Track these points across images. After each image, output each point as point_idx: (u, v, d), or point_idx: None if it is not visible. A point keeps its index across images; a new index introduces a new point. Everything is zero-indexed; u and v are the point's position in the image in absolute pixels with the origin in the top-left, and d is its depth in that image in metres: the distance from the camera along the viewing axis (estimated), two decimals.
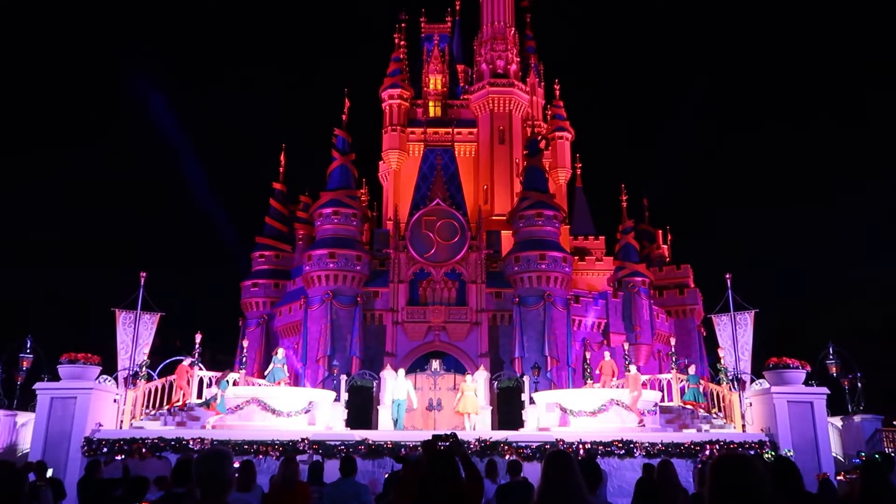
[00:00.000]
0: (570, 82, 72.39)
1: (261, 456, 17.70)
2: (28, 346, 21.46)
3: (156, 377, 22.32)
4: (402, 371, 23.78)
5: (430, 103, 45.19)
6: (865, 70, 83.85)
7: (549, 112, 47.47)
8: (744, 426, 20.69)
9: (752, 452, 17.73)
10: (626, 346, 27.96)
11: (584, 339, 35.97)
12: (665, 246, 47.23)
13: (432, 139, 43.32)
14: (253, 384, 23.25)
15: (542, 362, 33.27)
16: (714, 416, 22.47)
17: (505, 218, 40.21)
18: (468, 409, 22.19)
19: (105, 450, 18.15)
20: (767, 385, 20.06)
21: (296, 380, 32.72)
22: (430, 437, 5.78)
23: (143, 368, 21.13)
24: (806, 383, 20.13)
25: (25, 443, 19.77)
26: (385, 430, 21.32)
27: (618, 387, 22.63)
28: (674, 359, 24.23)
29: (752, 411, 20.69)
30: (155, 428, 20.20)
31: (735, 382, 21.30)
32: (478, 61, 45.55)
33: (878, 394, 25.37)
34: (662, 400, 23.09)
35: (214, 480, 4.23)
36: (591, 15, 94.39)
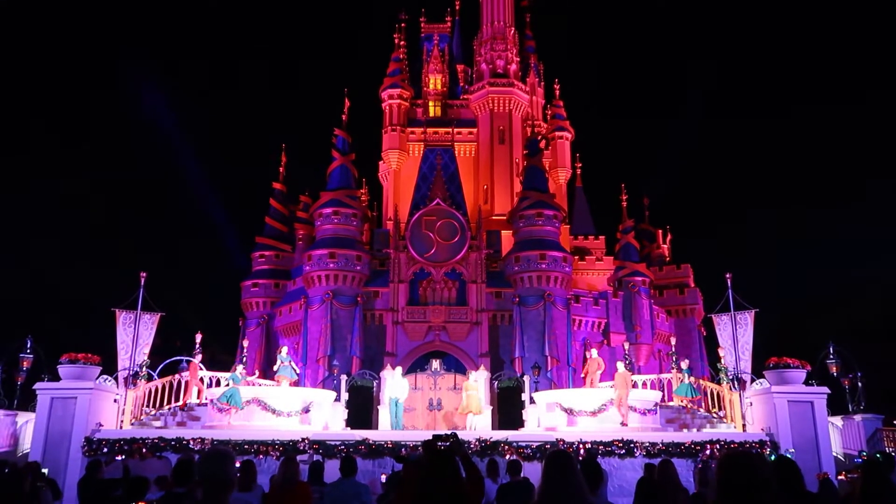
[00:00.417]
0: (570, 82, 72.47)
1: (261, 456, 17.70)
2: (28, 346, 21.45)
3: (156, 377, 22.33)
4: (398, 369, 23.82)
5: (430, 103, 45.22)
6: (866, 70, 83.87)
7: (549, 112, 47.49)
8: (744, 426, 20.69)
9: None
10: (627, 345, 27.95)
11: (584, 338, 35.99)
12: (665, 245, 47.24)
13: (432, 139, 43.34)
14: (254, 384, 23.23)
15: (542, 362, 33.29)
16: (714, 415, 22.49)
17: (505, 218, 40.23)
18: (471, 408, 22.20)
19: (105, 450, 18.15)
20: (768, 385, 20.05)
21: (296, 380, 32.73)
22: (431, 437, 5.78)
23: (144, 368, 21.13)
24: (806, 383, 20.12)
25: (26, 443, 19.77)
26: (385, 430, 21.32)
27: (612, 386, 22.62)
28: (674, 358, 24.22)
29: (752, 411, 20.68)
30: (155, 428, 20.20)
31: (735, 382, 21.30)
32: (478, 61, 45.57)
33: (879, 393, 25.36)
34: (662, 400, 23.08)
35: (217, 480, 4.23)
36: (591, 15, 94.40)
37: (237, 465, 7.12)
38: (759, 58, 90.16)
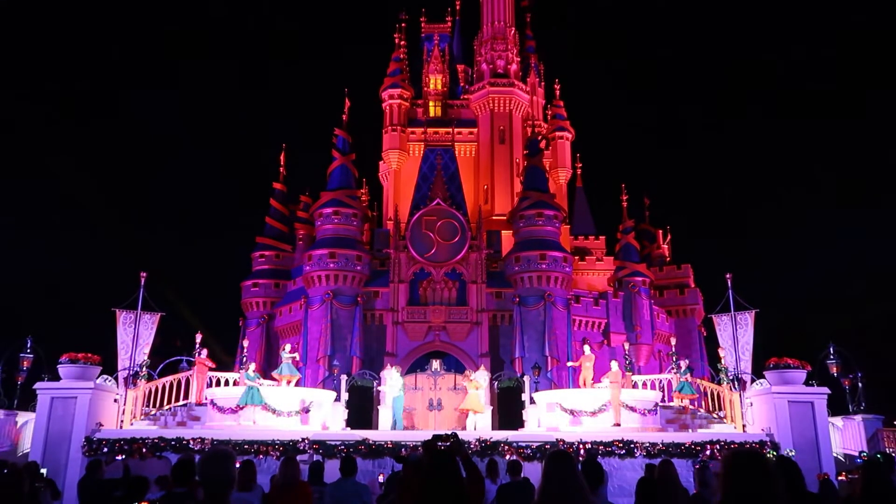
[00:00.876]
0: (571, 82, 72.39)
1: (261, 456, 17.70)
2: (28, 345, 21.46)
3: (156, 377, 22.34)
4: (396, 368, 23.89)
5: (431, 103, 45.21)
6: (868, 69, 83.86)
7: (550, 112, 47.48)
8: (744, 426, 20.69)
9: None
10: (627, 346, 27.95)
11: (584, 338, 35.99)
12: (665, 246, 47.24)
13: (432, 139, 43.34)
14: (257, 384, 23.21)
15: (542, 362, 33.28)
16: (715, 416, 22.50)
17: (505, 218, 40.22)
18: (472, 406, 22.22)
19: (105, 450, 18.16)
20: (768, 385, 20.06)
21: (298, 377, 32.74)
22: (431, 437, 5.77)
23: (144, 368, 21.14)
24: (806, 383, 20.13)
25: (26, 443, 19.77)
26: (385, 430, 21.33)
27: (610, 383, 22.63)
28: (674, 359, 24.23)
29: (752, 411, 20.69)
30: (155, 428, 20.20)
31: (736, 382, 21.31)
32: (478, 61, 45.57)
33: (879, 394, 25.34)
34: (662, 400, 23.09)
35: (217, 480, 4.23)
36: (592, 14, 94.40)
37: (237, 465, 7.12)
38: (759, 57, 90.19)
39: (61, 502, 14.13)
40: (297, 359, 23.85)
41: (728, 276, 22.47)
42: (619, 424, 20.32)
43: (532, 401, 23.07)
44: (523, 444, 18.30)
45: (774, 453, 17.97)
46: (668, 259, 46.04)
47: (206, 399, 21.94)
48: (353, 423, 22.55)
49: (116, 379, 20.67)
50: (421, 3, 49.91)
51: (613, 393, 20.71)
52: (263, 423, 19.95)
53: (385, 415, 22.74)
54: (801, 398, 19.55)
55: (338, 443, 18.31)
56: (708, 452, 18.21)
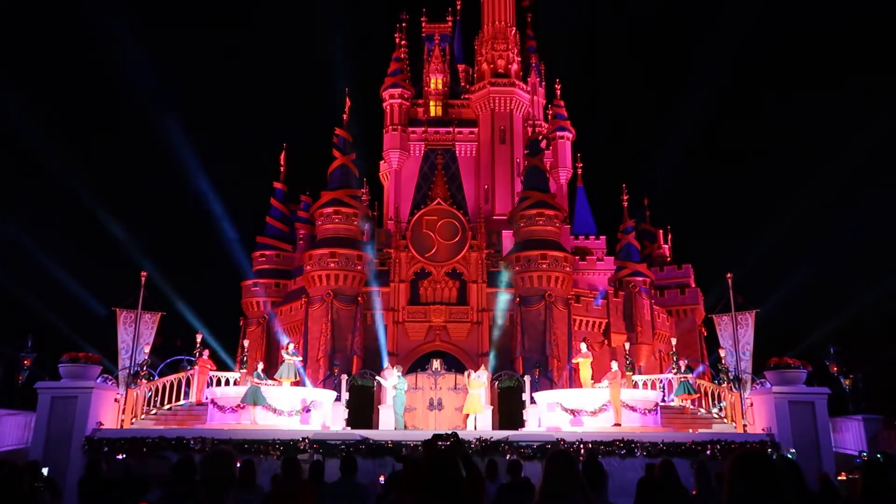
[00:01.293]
0: (571, 82, 72.30)
1: (261, 455, 17.69)
2: (29, 345, 21.47)
3: (156, 377, 22.35)
4: (398, 368, 23.93)
5: (431, 103, 45.21)
6: (870, 69, 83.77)
7: (550, 112, 47.47)
8: (745, 426, 20.70)
9: None
10: (627, 345, 27.97)
11: (584, 338, 35.99)
12: (666, 246, 47.29)
13: (433, 139, 43.35)
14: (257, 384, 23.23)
15: (542, 362, 33.28)
16: (715, 416, 22.51)
17: (506, 217, 40.23)
18: (473, 409, 22.26)
19: (106, 449, 18.16)
20: (769, 385, 20.06)
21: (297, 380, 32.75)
22: (431, 437, 5.78)
23: (144, 368, 21.15)
24: (807, 383, 20.13)
25: (26, 443, 19.76)
26: (386, 430, 21.33)
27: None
28: (674, 359, 24.24)
29: (753, 411, 20.69)
30: (156, 427, 20.20)
31: (736, 382, 21.31)
32: (479, 61, 45.56)
33: (879, 394, 25.32)
34: (663, 400, 23.09)
35: (218, 480, 4.24)
36: (592, 14, 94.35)
37: (238, 464, 7.12)
38: (760, 56, 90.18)
39: (61, 502, 14.12)
40: (300, 359, 23.80)
41: (728, 275, 22.48)
42: (619, 424, 20.34)
43: (532, 400, 23.08)
44: (524, 444, 18.30)
45: (775, 453, 17.97)
46: (668, 259, 46.08)
47: (206, 398, 21.96)
48: (353, 422, 22.57)
49: (117, 378, 20.68)
50: (421, 2, 49.93)
51: (614, 393, 20.71)
52: (264, 422, 19.97)
53: (386, 414, 22.75)
54: (802, 398, 19.55)
55: (338, 442, 18.31)
56: (708, 452, 18.21)
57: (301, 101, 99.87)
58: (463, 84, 47.24)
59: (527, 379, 24.56)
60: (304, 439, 18.27)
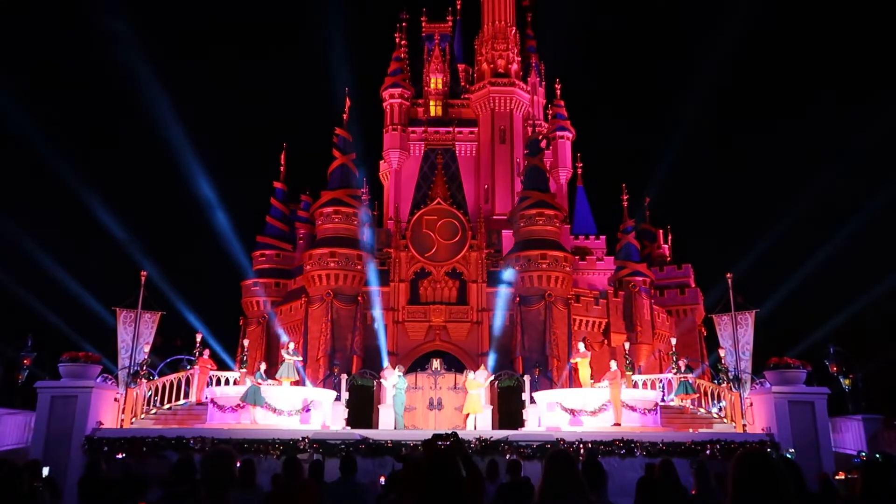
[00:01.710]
0: (571, 82, 72.34)
1: (261, 455, 17.70)
2: (29, 344, 21.47)
3: (156, 376, 22.36)
4: (399, 368, 23.94)
5: (431, 103, 45.21)
6: (872, 70, 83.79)
7: (550, 111, 47.47)
8: (745, 426, 20.70)
9: None
10: (627, 345, 27.98)
11: (583, 338, 36.01)
12: (666, 245, 47.29)
13: (433, 139, 43.36)
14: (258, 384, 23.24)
15: (542, 362, 33.29)
16: (715, 415, 22.51)
17: (506, 217, 40.24)
18: (472, 409, 22.27)
19: (106, 449, 18.16)
20: (768, 385, 20.07)
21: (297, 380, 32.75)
22: (431, 437, 5.78)
23: (144, 367, 21.15)
24: (807, 383, 20.14)
25: (26, 442, 19.76)
26: (386, 430, 21.34)
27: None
28: (674, 359, 24.25)
29: (752, 411, 20.70)
30: (155, 427, 20.21)
31: (736, 382, 21.32)
32: (479, 60, 45.56)
33: (879, 394, 25.31)
34: (662, 400, 23.10)
35: (218, 479, 4.24)
36: (593, 14, 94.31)
37: (237, 464, 7.12)
38: (762, 56, 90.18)
39: (61, 501, 14.12)
40: (300, 359, 23.81)
41: (728, 275, 22.49)
42: (619, 424, 20.34)
43: (532, 400, 23.08)
44: (523, 444, 18.30)
45: (775, 453, 17.98)
46: (668, 259, 46.09)
47: (206, 398, 21.96)
48: (353, 422, 22.58)
49: (117, 378, 20.68)
50: (422, 2, 49.91)
51: (613, 392, 20.72)
52: (264, 422, 19.98)
53: (385, 414, 22.76)
54: (802, 398, 19.56)
55: (338, 442, 18.31)
56: (708, 452, 18.22)
57: (301, 101, 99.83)
58: (463, 84, 47.23)
59: (526, 379, 24.58)
60: (303, 439, 18.28)
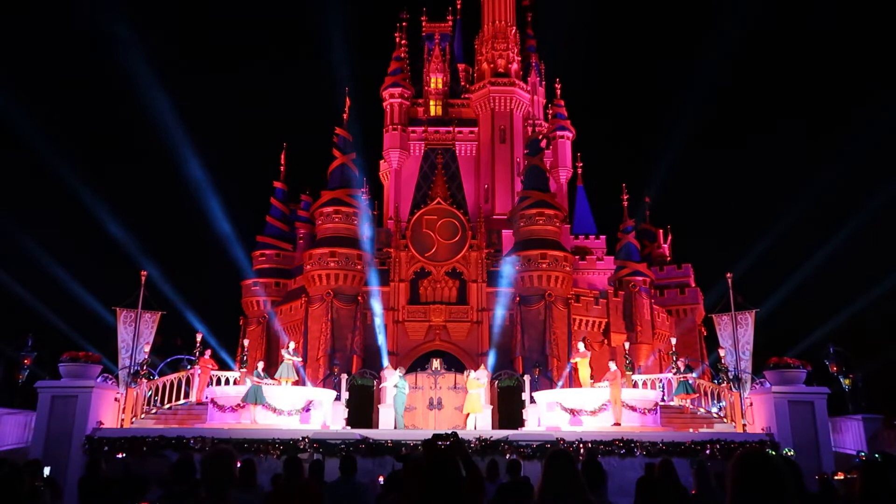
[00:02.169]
0: (572, 81, 72.35)
1: (261, 455, 17.71)
2: (29, 344, 21.47)
3: (156, 376, 22.37)
4: (400, 368, 23.96)
5: (431, 102, 45.20)
6: (872, 70, 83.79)
7: (550, 111, 47.47)
8: (744, 426, 20.70)
9: None
10: (627, 345, 28.00)
11: (583, 338, 36.02)
12: (666, 245, 47.29)
13: (433, 138, 43.35)
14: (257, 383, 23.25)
15: (542, 362, 33.29)
16: (715, 415, 22.52)
17: (506, 217, 40.24)
18: (473, 409, 22.27)
19: (106, 448, 18.17)
20: (768, 385, 20.06)
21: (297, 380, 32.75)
22: (431, 437, 5.79)
23: (144, 367, 21.16)
24: (807, 383, 20.13)
25: (27, 442, 19.77)
26: (386, 429, 21.35)
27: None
28: (674, 359, 24.25)
29: (752, 411, 20.70)
30: (156, 427, 20.21)
31: (736, 382, 21.32)
32: (479, 60, 45.55)
33: (879, 394, 25.32)
34: (662, 400, 23.11)
35: (219, 479, 4.24)
36: (593, 14, 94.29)
37: (238, 464, 7.13)
38: (762, 56, 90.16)
39: (62, 501, 14.12)
40: (300, 359, 23.82)
41: (728, 275, 22.49)
42: (619, 424, 20.35)
43: (532, 400, 23.09)
44: (523, 444, 18.30)
45: (774, 453, 17.97)
46: (668, 259, 46.09)
47: (206, 398, 21.96)
48: (353, 421, 22.59)
49: (117, 378, 20.69)
50: (422, 2, 49.90)
51: (613, 392, 20.73)
52: (264, 421, 19.99)
53: (385, 414, 22.77)
54: (802, 398, 19.55)
55: (338, 441, 18.31)
56: (708, 452, 18.22)
57: (301, 101, 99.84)
58: (463, 83, 47.22)
59: (526, 378, 24.59)
60: (303, 439, 18.28)
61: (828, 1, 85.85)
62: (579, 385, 23.22)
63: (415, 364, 31.58)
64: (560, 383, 28.50)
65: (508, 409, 23.81)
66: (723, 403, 22.49)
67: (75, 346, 20.84)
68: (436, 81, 45.59)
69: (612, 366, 21.58)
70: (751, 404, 20.82)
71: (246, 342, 26.71)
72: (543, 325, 35.03)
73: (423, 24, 48.48)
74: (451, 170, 42.17)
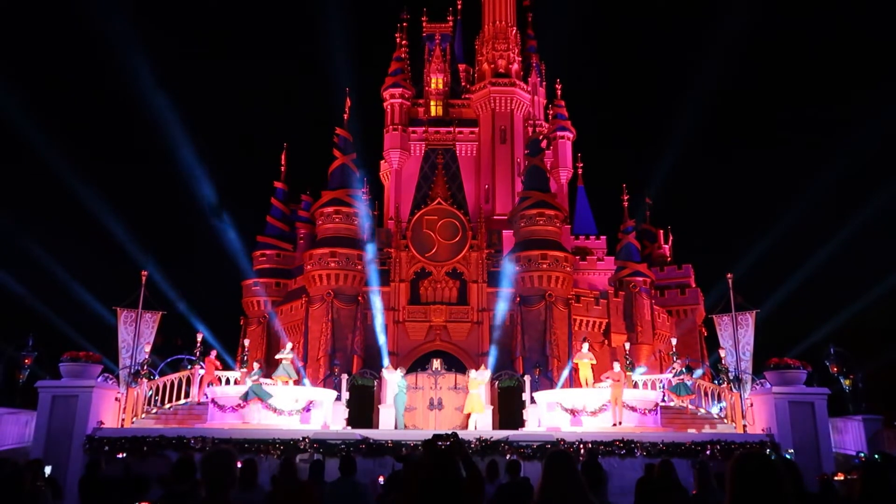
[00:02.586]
0: (572, 82, 72.37)
1: (262, 454, 17.72)
2: (29, 343, 21.48)
3: (157, 376, 22.38)
4: (401, 368, 23.97)
5: (432, 103, 45.18)
6: (872, 70, 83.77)
7: (551, 111, 47.44)
8: (745, 426, 20.70)
9: None
10: (627, 345, 28.00)
11: (584, 338, 36.01)
12: (666, 246, 47.27)
13: (434, 139, 43.35)
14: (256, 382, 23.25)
15: (543, 362, 33.29)
16: (715, 416, 22.52)
17: (506, 217, 40.23)
18: (473, 409, 22.29)
19: (106, 448, 18.18)
20: (769, 385, 20.07)
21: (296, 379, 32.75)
22: (431, 437, 5.79)
23: (145, 367, 21.17)
24: (807, 383, 20.14)
25: (27, 441, 19.78)
26: (386, 430, 21.36)
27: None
28: (674, 359, 24.26)
29: (753, 411, 20.70)
30: (156, 426, 20.22)
31: (736, 382, 21.32)
32: (479, 61, 45.54)
33: (879, 394, 25.31)
34: (662, 400, 23.11)
35: (219, 479, 4.25)
36: (593, 14, 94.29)
37: (238, 463, 7.13)
38: (763, 56, 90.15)
39: (63, 501, 14.14)
40: (294, 359, 23.79)
41: (729, 276, 22.49)
42: (619, 424, 20.36)
43: (532, 400, 23.10)
44: (523, 444, 18.31)
45: (774, 454, 17.97)
46: (668, 259, 46.07)
47: (206, 398, 21.97)
48: (353, 422, 22.60)
49: (118, 377, 20.70)
50: (422, 2, 49.96)
51: (614, 392, 20.74)
52: (264, 421, 19.99)
53: (386, 414, 22.78)
54: (802, 398, 19.56)
55: (338, 442, 18.33)
56: (708, 452, 18.23)
57: (301, 101, 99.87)
58: (463, 84, 47.21)
59: (527, 379, 24.60)
60: (304, 439, 18.30)
61: (828, 1, 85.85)
62: (579, 385, 23.24)
63: (415, 364, 31.58)
64: (560, 383, 28.47)
65: (509, 409, 23.82)
66: (723, 404, 22.50)
67: (76, 346, 20.85)
68: (436, 82, 45.57)
69: (616, 366, 21.60)
70: (751, 405, 20.82)
71: (246, 342, 26.71)
72: (544, 325, 35.03)
73: (424, 24, 48.48)
74: (452, 170, 42.18)
